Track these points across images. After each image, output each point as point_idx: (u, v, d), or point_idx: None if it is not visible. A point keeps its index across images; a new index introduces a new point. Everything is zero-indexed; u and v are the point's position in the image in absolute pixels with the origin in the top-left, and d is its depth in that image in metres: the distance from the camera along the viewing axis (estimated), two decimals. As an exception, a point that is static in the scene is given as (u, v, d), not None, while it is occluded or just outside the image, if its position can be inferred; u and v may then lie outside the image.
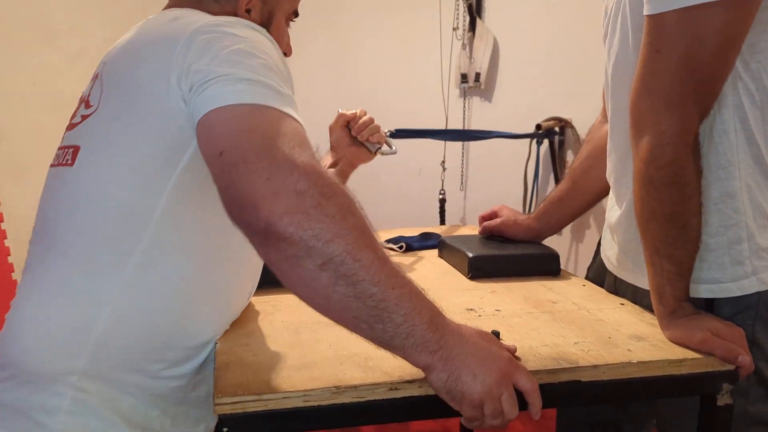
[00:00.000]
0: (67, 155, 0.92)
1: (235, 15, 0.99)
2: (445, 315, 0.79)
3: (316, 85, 3.19)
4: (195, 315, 0.91)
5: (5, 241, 2.38)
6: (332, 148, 1.46)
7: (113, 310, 0.85)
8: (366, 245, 0.73)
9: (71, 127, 0.96)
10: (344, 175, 1.46)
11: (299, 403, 0.79)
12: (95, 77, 0.97)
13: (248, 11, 1.01)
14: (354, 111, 1.42)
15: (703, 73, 0.86)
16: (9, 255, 2.38)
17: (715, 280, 0.95)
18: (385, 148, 1.45)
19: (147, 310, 0.87)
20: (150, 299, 0.87)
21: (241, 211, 0.72)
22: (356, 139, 1.42)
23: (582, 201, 1.33)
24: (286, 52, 1.08)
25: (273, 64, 0.85)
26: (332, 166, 1.44)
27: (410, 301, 0.75)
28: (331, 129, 1.44)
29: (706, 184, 0.92)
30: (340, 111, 1.43)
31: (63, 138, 0.97)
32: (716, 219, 0.94)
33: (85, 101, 0.96)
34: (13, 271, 2.36)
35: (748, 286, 0.94)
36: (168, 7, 1.02)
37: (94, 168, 0.88)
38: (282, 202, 0.70)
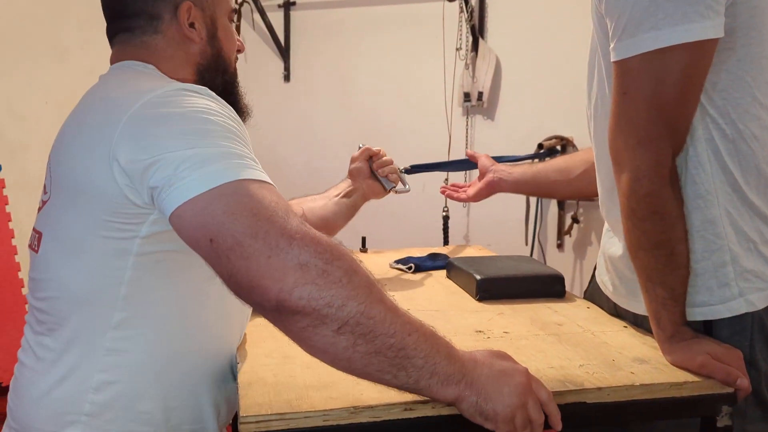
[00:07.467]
0: (34, 240, 0.97)
1: (181, 36, 0.99)
2: (455, 344, 0.83)
3: (320, 105, 3.24)
4: (181, 374, 0.95)
5: (16, 256, 2.42)
6: (350, 175, 1.52)
7: (98, 382, 0.90)
8: (376, 300, 0.76)
9: (39, 207, 0.99)
10: (356, 207, 1.50)
11: (319, 423, 0.83)
12: (48, 160, 0.98)
13: (191, 25, 1.00)
14: (379, 148, 1.53)
15: (669, 112, 0.92)
16: (20, 270, 2.41)
17: (706, 303, 1.00)
18: (399, 186, 1.55)
19: (129, 377, 0.91)
20: (131, 368, 0.91)
21: (250, 294, 0.75)
22: (374, 173, 1.51)
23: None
24: (240, 49, 1.09)
25: (226, 128, 0.84)
26: (346, 195, 1.48)
27: (426, 342, 0.79)
28: (354, 159, 1.52)
29: (687, 213, 0.97)
30: (365, 145, 1.54)
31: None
32: (700, 245, 0.99)
33: (44, 185, 0.98)
34: (23, 287, 2.39)
35: (737, 307, 0.99)
36: (117, 58, 1.01)
37: (54, 257, 0.93)
38: (288, 279, 0.72)
